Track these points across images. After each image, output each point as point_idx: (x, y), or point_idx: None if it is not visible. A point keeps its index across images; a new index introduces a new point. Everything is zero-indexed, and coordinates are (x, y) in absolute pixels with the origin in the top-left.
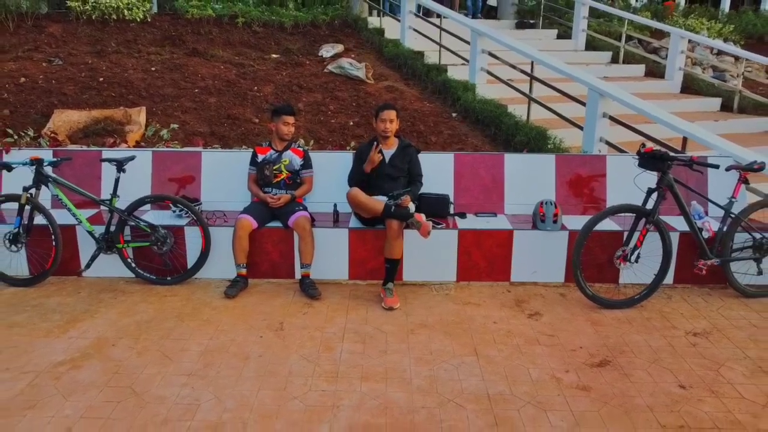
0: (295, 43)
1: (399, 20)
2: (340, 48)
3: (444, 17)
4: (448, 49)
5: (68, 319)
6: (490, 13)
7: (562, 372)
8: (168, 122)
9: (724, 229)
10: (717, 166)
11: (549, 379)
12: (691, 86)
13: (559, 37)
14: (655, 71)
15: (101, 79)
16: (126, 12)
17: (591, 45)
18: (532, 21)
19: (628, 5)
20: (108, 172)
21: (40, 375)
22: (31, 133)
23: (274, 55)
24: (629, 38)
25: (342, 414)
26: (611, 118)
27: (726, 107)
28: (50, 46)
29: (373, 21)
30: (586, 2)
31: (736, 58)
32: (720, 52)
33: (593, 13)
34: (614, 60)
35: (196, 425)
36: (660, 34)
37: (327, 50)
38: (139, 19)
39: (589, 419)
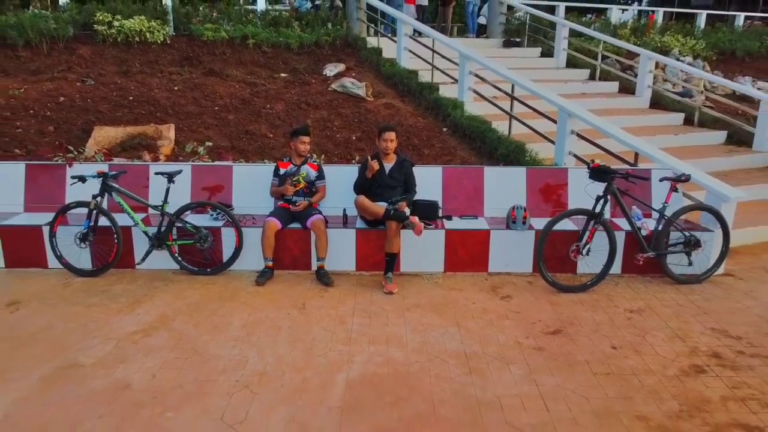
0: (301, 63)
1: (395, 41)
2: (342, 67)
3: (436, 40)
4: (439, 69)
5: (133, 301)
6: (482, 32)
7: (523, 338)
8: (193, 137)
9: (659, 228)
10: (648, 179)
11: (513, 343)
12: (659, 102)
13: (542, 55)
14: (628, 88)
15: (131, 97)
16: (148, 35)
17: (571, 63)
18: (518, 40)
19: (608, 23)
20: (154, 182)
21: (121, 341)
22: (83, 149)
23: (282, 74)
24: (606, 57)
25: (355, 366)
26: (578, 135)
27: (689, 121)
28: (81, 67)
29: (372, 41)
30: (566, 24)
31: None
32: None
33: (574, 32)
34: (592, 77)
35: (247, 373)
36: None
37: (330, 69)
38: (159, 41)
39: (541, 369)
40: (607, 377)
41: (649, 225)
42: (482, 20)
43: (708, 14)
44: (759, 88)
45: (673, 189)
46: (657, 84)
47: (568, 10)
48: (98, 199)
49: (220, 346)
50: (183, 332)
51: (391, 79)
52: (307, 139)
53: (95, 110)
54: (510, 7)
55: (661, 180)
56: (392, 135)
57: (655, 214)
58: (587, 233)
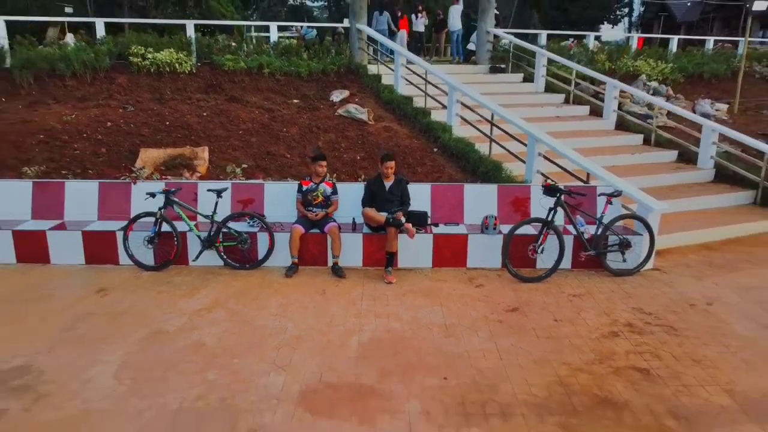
0: (310, 89)
1: (392, 69)
2: (346, 93)
3: (428, 72)
4: (431, 96)
5: (191, 288)
6: (471, 57)
7: (489, 314)
8: (224, 158)
9: (598, 233)
10: (584, 195)
11: (481, 317)
12: (623, 124)
13: (524, 80)
14: (597, 111)
15: (167, 122)
16: (176, 65)
17: (549, 88)
18: (503, 66)
19: (587, 49)
20: (202, 196)
21: (191, 315)
22: (135, 168)
23: (295, 100)
24: (579, 83)
25: (364, 333)
26: (544, 156)
27: (647, 141)
28: (120, 95)
29: (372, 68)
30: (545, 54)
31: (668, 98)
32: (655, 92)
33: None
34: (566, 101)
35: (287, 337)
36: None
37: (336, 95)
38: (186, 71)
39: (499, 334)
40: (547, 339)
41: (590, 230)
42: (471, 46)
43: (682, 39)
44: (717, 110)
45: (608, 202)
46: (626, 107)
47: (551, 36)
48: (163, 210)
49: (264, 319)
50: (235, 310)
51: (390, 104)
52: (324, 163)
53: (138, 134)
54: (496, 36)
55: (599, 195)
56: (392, 163)
57: (599, 221)
58: (542, 236)
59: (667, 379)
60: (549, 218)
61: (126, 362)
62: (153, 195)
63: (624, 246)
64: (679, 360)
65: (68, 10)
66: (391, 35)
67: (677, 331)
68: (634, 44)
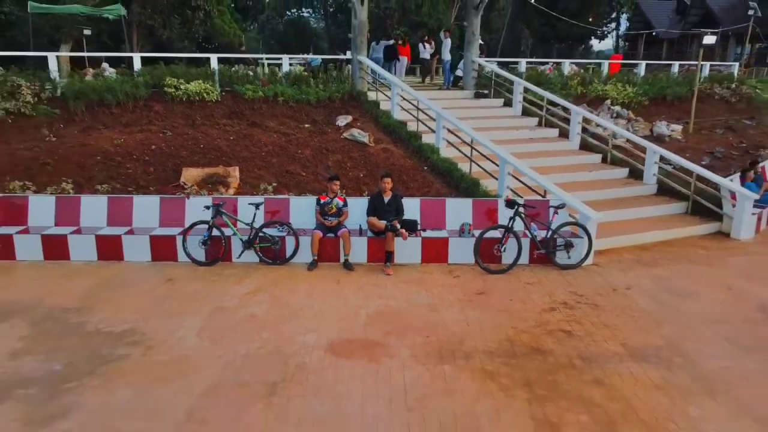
0: (319, 115)
1: (389, 97)
2: (350, 118)
3: (421, 104)
4: (421, 122)
5: (238, 279)
6: (458, 82)
7: (462, 296)
8: (251, 176)
9: (547, 236)
10: (534, 207)
11: (456, 298)
12: (586, 145)
13: (504, 104)
14: (565, 133)
15: (201, 145)
16: (204, 94)
17: (526, 112)
18: (486, 92)
19: (561, 74)
20: (242, 208)
21: (240, 297)
22: (185, 184)
23: (306, 125)
24: (549, 108)
25: (370, 308)
26: (512, 175)
27: (605, 160)
28: (158, 121)
29: (371, 95)
30: (521, 82)
31: (629, 120)
32: (618, 115)
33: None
34: (539, 124)
35: (314, 311)
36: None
37: (341, 120)
38: (213, 100)
39: (468, 309)
40: (503, 312)
41: (542, 234)
42: (459, 72)
43: (649, 64)
44: (672, 130)
45: (555, 212)
46: (591, 128)
47: (533, 61)
48: (213, 219)
49: (296, 300)
50: (273, 294)
51: (387, 128)
52: (337, 183)
53: (178, 155)
54: (481, 65)
55: (548, 207)
56: (389, 180)
57: (549, 227)
58: (504, 239)
59: (583, 337)
60: (509, 225)
61: (203, 327)
62: (208, 207)
63: (568, 246)
64: (594, 326)
65: (87, 32)
66: (391, 60)
67: (598, 307)
68: (605, 70)
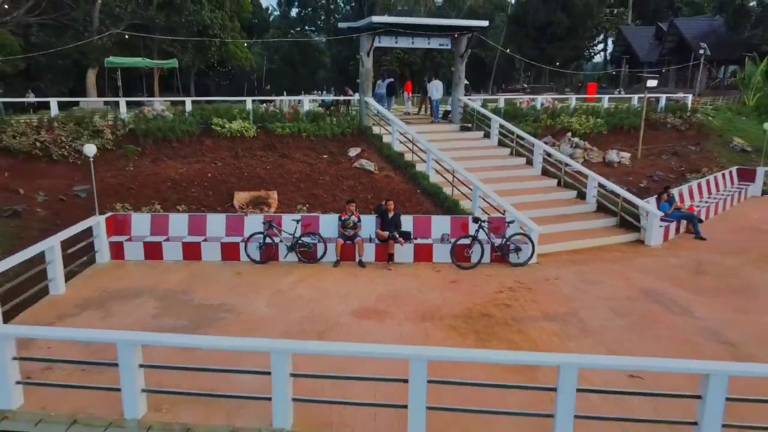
0: (334, 147)
1: (389, 132)
2: (359, 150)
3: (415, 140)
4: (415, 153)
5: (285, 273)
6: (448, 116)
7: (441, 283)
8: (287, 198)
9: (502, 243)
10: (492, 222)
11: (436, 285)
12: (546, 171)
13: (484, 136)
14: (531, 161)
15: (246, 174)
16: (244, 131)
17: (501, 143)
18: (470, 126)
19: (534, 108)
20: (286, 222)
21: (290, 284)
22: (242, 206)
23: (324, 156)
24: (519, 141)
25: (378, 291)
26: (482, 198)
27: (560, 184)
28: (209, 154)
29: (376, 129)
30: (497, 120)
31: (585, 148)
32: (576, 145)
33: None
34: (511, 153)
35: (341, 293)
36: (551, 130)
37: (352, 152)
38: (250, 136)
39: (445, 292)
40: (468, 293)
41: (499, 241)
42: (448, 107)
43: (611, 98)
44: (622, 157)
45: (507, 226)
46: (554, 157)
47: (509, 97)
48: (266, 231)
49: (328, 286)
50: (312, 282)
51: (388, 158)
52: (353, 204)
53: (229, 181)
54: (465, 103)
55: (505, 222)
56: (392, 203)
57: (504, 236)
58: (471, 244)
59: (516, 308)
60: (475, 235)
61: (268, 302)
62: (264, 222)
63: (517, 250)
64: (526, 301)
65: (118, 61)
66: (392, 94)
67: (532, 290)
68: (573, 104)
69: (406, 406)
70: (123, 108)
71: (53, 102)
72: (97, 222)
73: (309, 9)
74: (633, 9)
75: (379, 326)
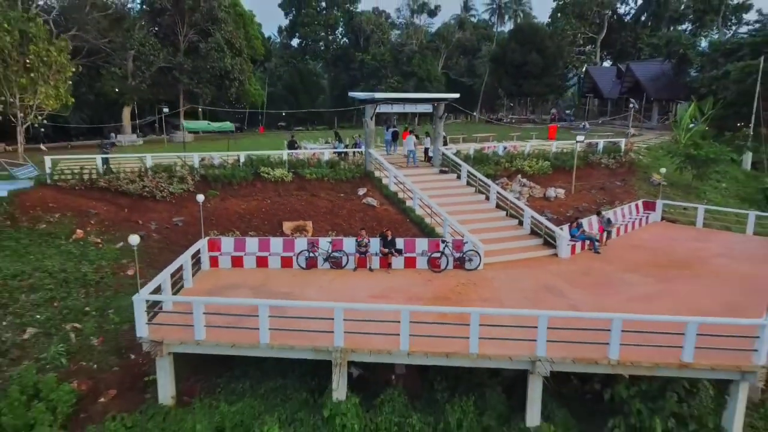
0: (347, 188)
1: (387, 176)
2: (365, 190)
3: (404, 183)
4: (406, 192)
5: (323, 274)
6: (431, 160)
7: (421, 282)
8: (317, 227)
9: (461, 255)
10: (453, 243)
11: (418, 282)
12: (499, 205)
13: (457, 178)
14: (488, 198)
15: (288, 209)
16: (284, 177)
17: (469, 183)
18: (446, 169)
19: (496, 154)
20: (322, 243)
21: (328, 281)
22: (297, 234)
23: (341, 194)
24: (481, 182)
25: (382, 285)
26: (450, 226)
27: (507, 215)
28: (261, 194)
29: (377, 173)
30: (466, 166)
31: (530, 186)
32: (524, 185)
33: (477, 166)
34: (475, 192)
35: (360, 285)
36: (508, 172)
37: (360, 191)
38: (288, 180)
39: (424, 286)
40: (437, 286)
41: (458, 254)
42: (431, 153)
43: (558, 144)
44: (558, 193)
45: (464, 244)
46: (505, 192)
47: (478, 147)
48: (309, 248)
49: (351, 282)
50: (340, 280)
51: (387, 196)
52: (363, 232)
53: (277, 214)
54: (443, 152)
55: (463, 242)
56: (389, 232)
57: (462, 251)
58: (441, 256)
59: (464, 294)
60: (443, 250)
61: (316, 291)
62: (308, 243)
63: (470, 260)
64: (471, 291)
65: (165, 110)
66: (395, 139)
67: (477, 285)
68: (528, 150)
69: (398, 334)
70: (196, 160)
71: (149, 157)
72: (203, 243)
73: (310, 40)
74: (601, 48)
75: (384, 303)
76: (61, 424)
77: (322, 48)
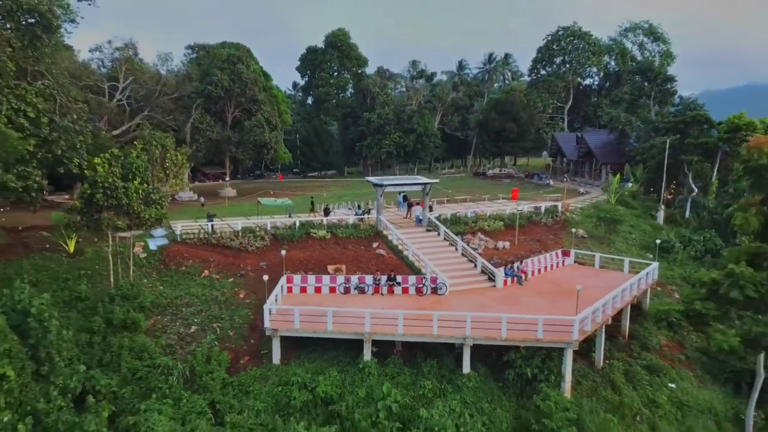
0: (365, 242)
1: (391, 234)
2: (377, 243)
3: (402, 239)
4: (403, 245)
5: (353, 297)
6: (421, 222)
7: (411, 301)
8: (349, 269)
9: (436, 285)
10: (430, 278)
11: (411, 301)
12: (463, 254)
13: (437, 234)
14: (457, 248)
15: (329, 257)
16: (324, 236)
17: (445, 239)
18: (431, 228)
19: (466, 216)
20: (353, 279)
21: (356, 302)
22: (332, 272)
23: (362, 247)
24: (452, 237)
25: (390, 304)
26: (432, 268)
27: (468, 261)
28: (311, 248)
29: (385, 232)
30: (442, 227)
31: (484, 240)
32: (481, 239)
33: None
34: (449, 244)
35: (377, 304)
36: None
37: (374, 245)
38: (327, 238)
39: (414, 302)
40: (420, 304)
41: (434, 286)
42: (421, 217)
43: (511, 208)
44: (504, 245)
45: (437, 279)
46: (470, 244)
47: (455, 211)
48: (346, 282)
49: (371, 301)
50: (364, 300)
51: (391, 248)
52: (378, 272)
53: (323, 261)
54: (429, 218)
55: (437, 278)
56: (393, 272)
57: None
58: (424, 287)
59: (434, 306)
60: (425, 283)
61: (351, 306)
62: (344, 278)
63: (441, 288)
64: (438, 305)
65: (268, 203)
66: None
67: (442, 303)
68: (489, 213)
69: (397, 326)
70: (269, 223)
71: (239, 223)
72: (284, 278)
73: (323, 102)
74: (568, 114)
75: (390, 310)
76: (224, 371)
77: (334, 105)
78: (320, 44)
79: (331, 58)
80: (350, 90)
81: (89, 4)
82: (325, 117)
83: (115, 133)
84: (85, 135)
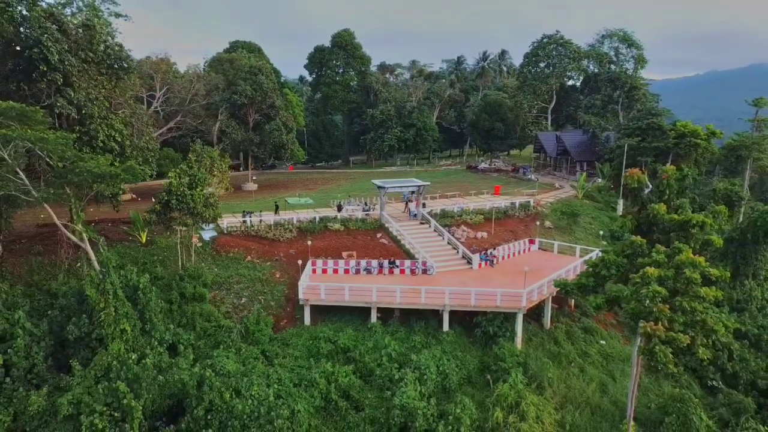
0: (371, 233)
1: (391, 226)
2: (380, 234)
3: (400, 230)
4: (401, 235)
5: (363, 276)
6: (417, 216)
7: (406, 279)
8: (359, 254)
9: (426, 267)
10: (423, 262)
11: (403, 279)
12: (449, 243)
13: (428, 227)
14: (444, 238)
15: (343, 245)
16: (339, 228)
17: (436, 230)
18: (424, 222)
19: (456, 211)
20: (363, 263)
21: (365, 279)
22: (345, 257)
23: (368, 237)
24: (440, 230)
25: (390, 280)
26: (424, 255)
27: (453, 248)
28: (327, 237)
29: (387, 225)
30: (432, 220)
31: (466, 231)
32: (464, 230)
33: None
34: (438, 235)
35: (383, 281)
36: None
37: (378, 235)
38: (341, 230)
39: (408, 281)
40: (415, 281)
41: (424, 267)
42: (416, 213)
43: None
44: (483, 234)
45: (426, 262)
46: (449, 237)
47: (446, 207)
48: (356, 265)
49: (379, 280)
50: (373, 279)
51: (392, 238)
52: (383, 258)
53: (339, 248)
54: (423, 213)
55: (427, 262)
56: (394, 258)
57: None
58: (416, 268)
59: (424, 283)
60: (417, 266)
61: (363, 282)
62: (355, 262)
63: (430, 269)
64: (427, 282)
65: (293, 201)
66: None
67: (430, 281)
68: (472, 207)
69: (396, 296)
70: (295, 219)
71: (272, 218)
72: (310, 263)
73: (330, 98)
74: (552, 113)
75: (390, 285)
76: (270, 330)
77: (340, 101)
78: (325, 39)
79: (337, 57)
80: (355, 85)
81: (126, 20)
82: (332, 111)
83: (155, 135)
84: (154, 151)
